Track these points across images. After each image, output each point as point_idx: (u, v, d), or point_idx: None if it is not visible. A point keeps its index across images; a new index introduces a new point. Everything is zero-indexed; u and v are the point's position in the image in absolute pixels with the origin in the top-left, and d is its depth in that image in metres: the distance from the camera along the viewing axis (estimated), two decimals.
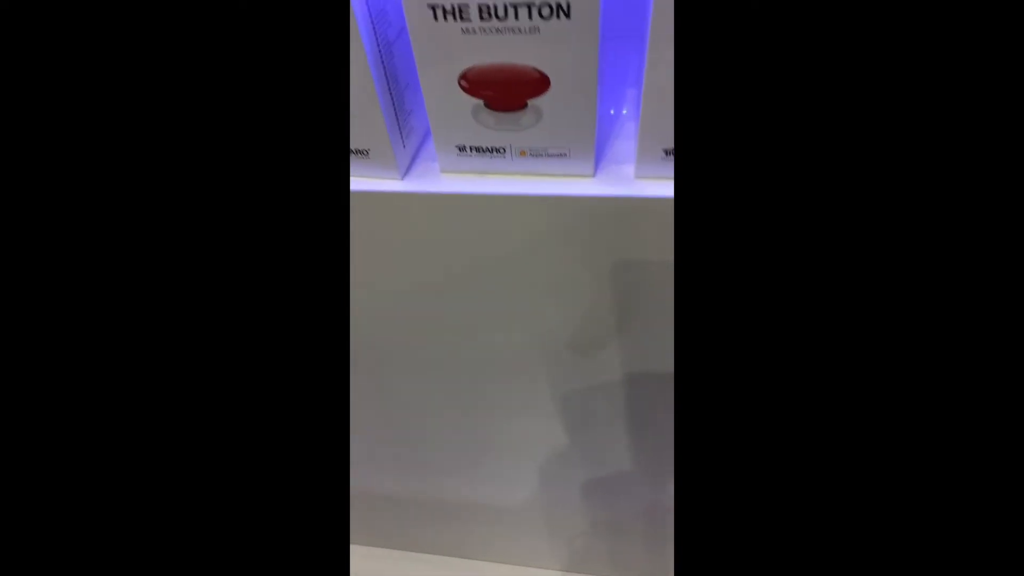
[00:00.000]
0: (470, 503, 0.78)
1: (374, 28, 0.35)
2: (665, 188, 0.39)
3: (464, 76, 0.35)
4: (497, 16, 0.32)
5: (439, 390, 0.61)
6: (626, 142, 0.42)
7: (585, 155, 0.39)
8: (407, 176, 0.42)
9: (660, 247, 0.41)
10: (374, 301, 0.50)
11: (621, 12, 0.45)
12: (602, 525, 0.77)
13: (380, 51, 0.36)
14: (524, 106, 0.36)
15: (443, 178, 0.41)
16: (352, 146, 0.40)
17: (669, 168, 0.38)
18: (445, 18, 0.33)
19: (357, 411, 0.67)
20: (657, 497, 0.70)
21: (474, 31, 0.33)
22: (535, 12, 0.32)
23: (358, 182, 0.42)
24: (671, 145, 0.37)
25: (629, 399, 0.56)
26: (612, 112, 0.45)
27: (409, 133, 0.42)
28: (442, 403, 0.63)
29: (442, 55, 0.35)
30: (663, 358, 0.51)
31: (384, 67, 0.37)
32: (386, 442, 0.71)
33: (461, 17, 0.33)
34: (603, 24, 0.32)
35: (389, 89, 0.38)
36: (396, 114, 0.39)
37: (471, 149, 0.40)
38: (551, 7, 0.31)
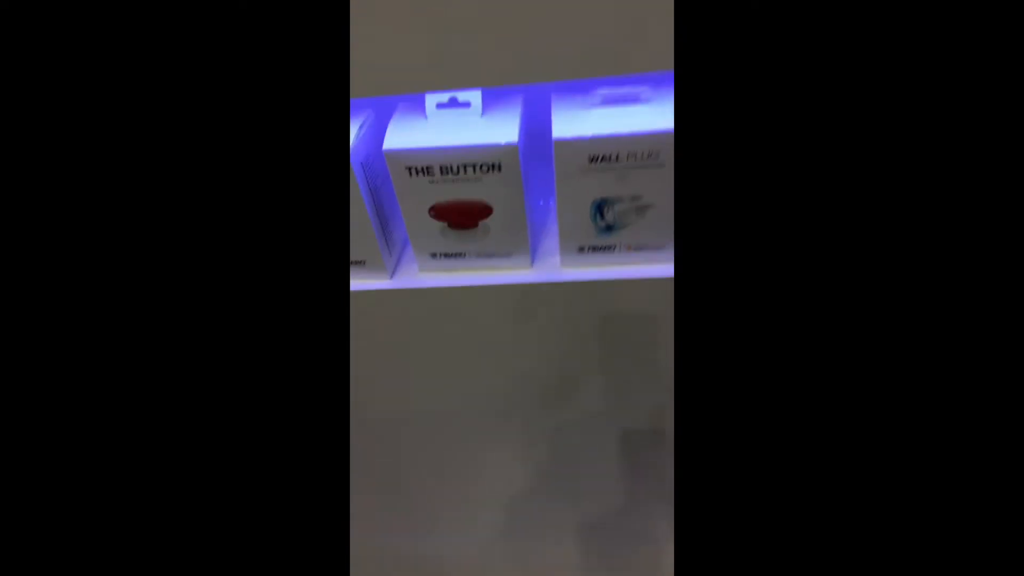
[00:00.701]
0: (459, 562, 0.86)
1: (366, 177, 0.50)
2: (584, 274, 0.53)
3: (432, 208, 0.50)
4: (453, 172, 0.47)
5: (424, 451, 0.72)
6: (554, 238, 0.57)
7: (523, 254, 0.53)
8: (394, 276, 0.56)
9: (590, 318, 0.56)
10: (370, 376, 0.63)
11: (540, 143, 0.60)
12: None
13: (371, 192, 0.51)
14: (476, 225, 0.51)
15: (421, 276, 0.55)
16: (352, 258, 0.54)
17: (585, 259, 0.53)
18: (418, 175, 0.48)
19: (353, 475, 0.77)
20: (650, 540, 0.79)
21: (438, 181, 0.48)
22: (478, 169, 0.47)
23: (356, 284, 0.55)
24: (584, 243, 0.52)
25: (601, 443, 0.68)
26: (541, 203, 0.60)
27: (393, 246, 0.56)
28: (427, 462, 0.74)
29: (416, 196, 0.49)
30: (619, 403, 0.64)
31: (374, 202, 0.52)
32: (380, 504, 0.80)
33: (428, 173, 0.48)
34: (526, 155, 0.47)
35: (378, 217, 0.53)
36: (384, 234, 0.54)
37: (440, 255, 0.54)
38: (488, 166, 0.47)
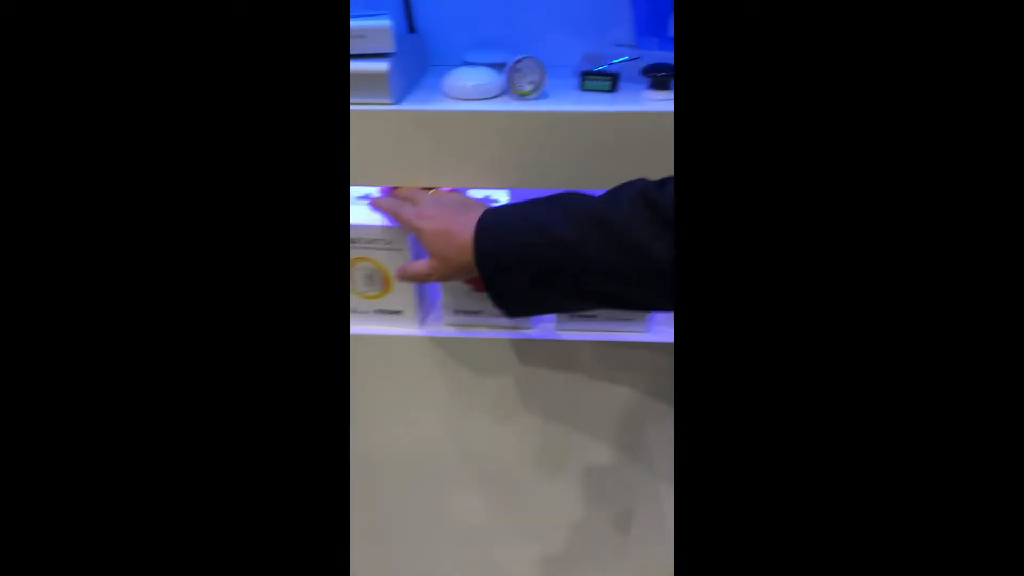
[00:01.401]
0: None
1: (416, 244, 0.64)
2: (575, 335, 0.67)
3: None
4: None
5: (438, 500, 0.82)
6: None
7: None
8: (422, 326, 0.70)
9: (579, 369, 0.69)
10: (389, 417, 0.76)
11: None
12: None
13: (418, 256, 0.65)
14: None
15: (446, 328, 0.69)
16: (390, 308, 0.68)
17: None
18: None
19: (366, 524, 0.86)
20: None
21: None
22: None
23: (391, 331, 0.69)
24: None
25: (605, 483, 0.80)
26: None
27: (424, 301, 0.70)
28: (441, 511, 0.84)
29: None
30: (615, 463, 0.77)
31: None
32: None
33: None
34: None
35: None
36: (419, 291, 0.68)
37: (463, 312, 0.68)
38: None
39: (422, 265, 0.57)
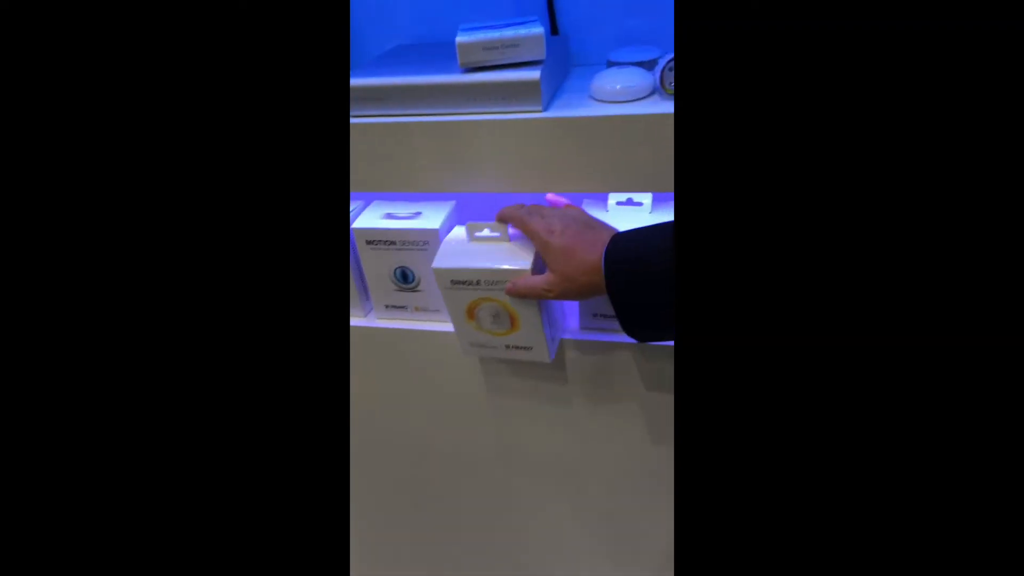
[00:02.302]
0: None
1: None
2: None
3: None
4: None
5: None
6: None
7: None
8: (552, 359, 0.69)
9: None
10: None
11: None
12: None
13: None
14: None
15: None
16: (519, 344, 0.68)
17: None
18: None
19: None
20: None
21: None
22: None
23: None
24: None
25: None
26: None
27: (552, 335, 0.70)
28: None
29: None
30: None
31: None
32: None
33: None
34: None
35: None
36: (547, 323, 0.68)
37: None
38: None
39: (540, 281, 0.56)
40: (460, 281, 0.60)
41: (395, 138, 0.60)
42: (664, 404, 0.68)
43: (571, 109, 0.57)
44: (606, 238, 0.51)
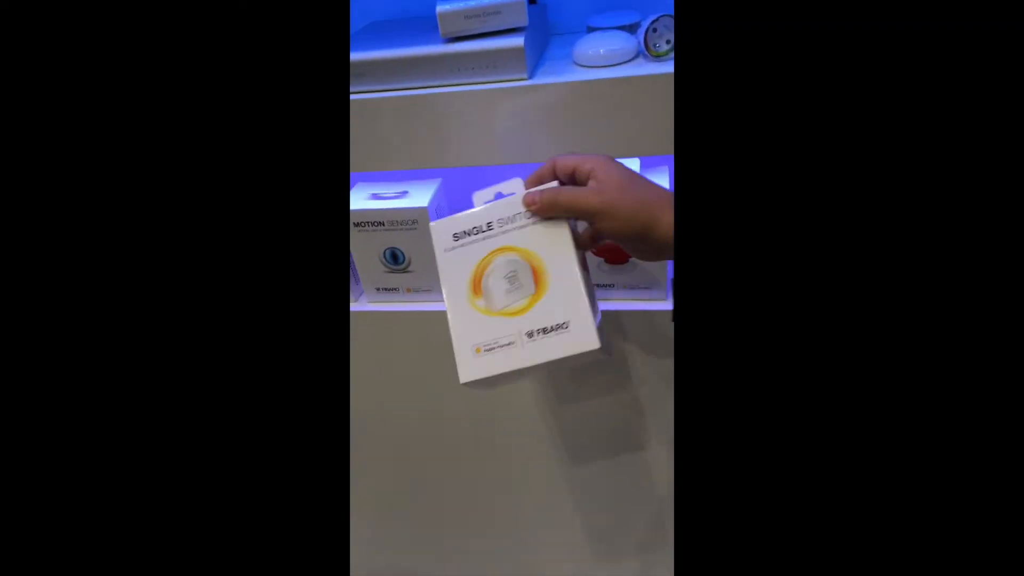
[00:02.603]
0: None
1: None
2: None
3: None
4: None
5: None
6: None
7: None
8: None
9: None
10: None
11: None
12: None
13: None
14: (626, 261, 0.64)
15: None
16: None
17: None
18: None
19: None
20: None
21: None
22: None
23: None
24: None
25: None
26: None
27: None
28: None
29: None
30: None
31: None
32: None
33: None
34: None
35: None
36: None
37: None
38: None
39: (585, 191, 0.43)
40: (466, 232, 0.46)
41: (378, 115, 0.59)
42: (664, 370, 0.68)
43: (556, 76, 0.56)
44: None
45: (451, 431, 0.79)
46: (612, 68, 0.56)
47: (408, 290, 0.69)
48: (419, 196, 0.64)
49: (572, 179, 0.47)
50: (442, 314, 0.69)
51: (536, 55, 0.60)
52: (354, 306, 0.71)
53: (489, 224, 0.46)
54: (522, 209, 0.45)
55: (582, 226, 0.48)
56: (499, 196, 0.48)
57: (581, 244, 0.47)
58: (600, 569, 0.88)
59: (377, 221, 0.64)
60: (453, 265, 0.47)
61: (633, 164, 0.64)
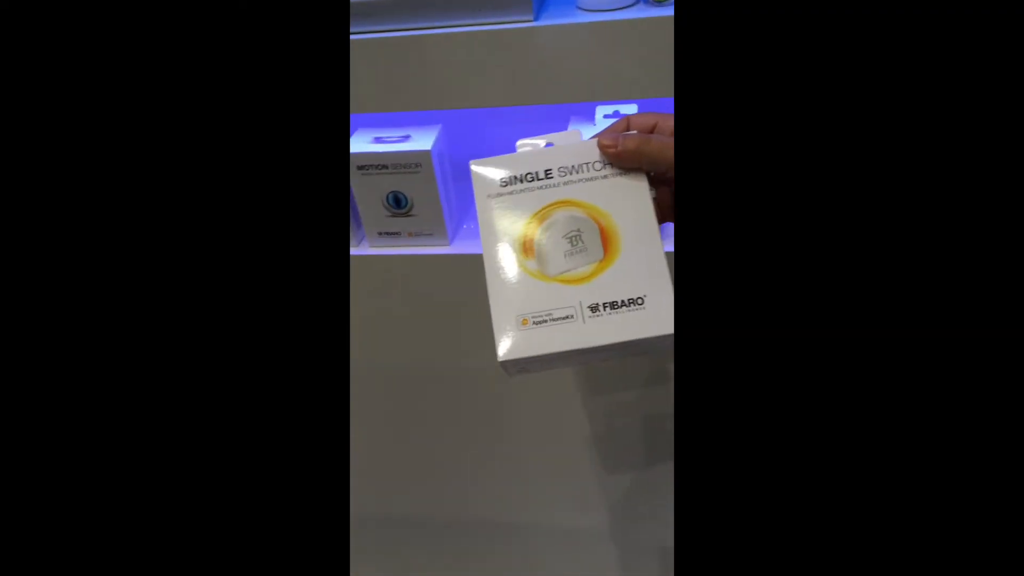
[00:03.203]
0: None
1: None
2: None
3: None
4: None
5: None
6: None
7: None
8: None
9: None
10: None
11: None
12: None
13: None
14: None
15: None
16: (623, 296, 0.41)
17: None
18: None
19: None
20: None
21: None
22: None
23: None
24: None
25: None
26: None
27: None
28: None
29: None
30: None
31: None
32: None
33: None
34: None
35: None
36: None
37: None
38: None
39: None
40: (517, 178, 0.37)
41: (380, 55, 0.60)
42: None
43: (560, 18, 0.57)
44: None
45: (449, 379, 0.81)
46: (615, 12, 0.57)
47: (410, 234, 0.71)
48: (422, 140, 0.65)
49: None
50: (446, 259, 0.71)
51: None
52: (355, 250, 0.72)
53: (548, 171, 0.37)
54: (591, 158, 0.37)
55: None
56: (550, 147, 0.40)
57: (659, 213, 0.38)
58: (596, 515, 0.92)
59: (381, 164, 0.65)
60: (498, 216, 0.37)
61: (630, 109, 0.66)
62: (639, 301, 0.35)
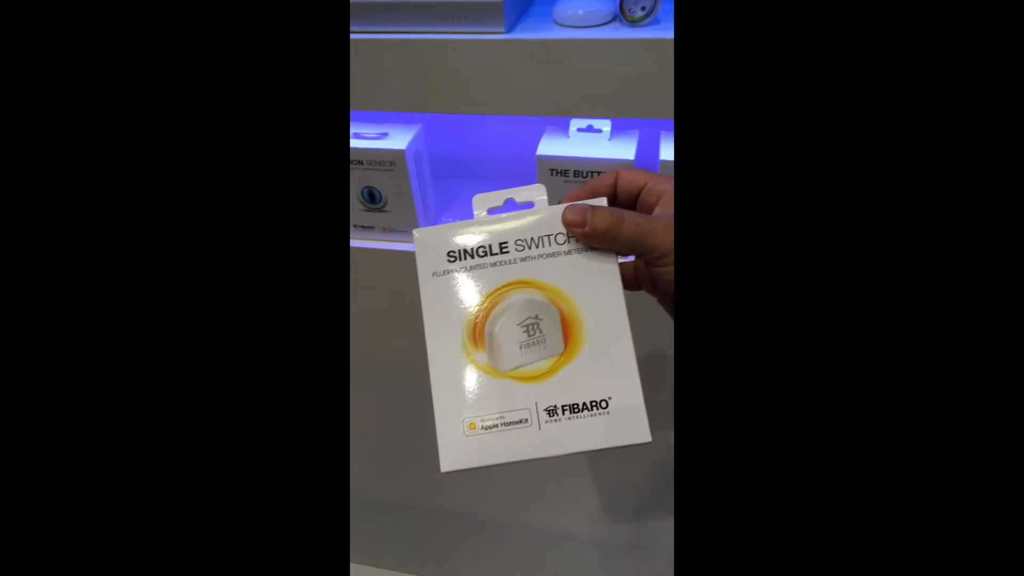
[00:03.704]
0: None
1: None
2: None
3: None
4: None
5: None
6: None
7: None
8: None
9: None
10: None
11: None
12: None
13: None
14: None
15: None
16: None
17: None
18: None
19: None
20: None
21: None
22: None
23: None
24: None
25: None
26: None
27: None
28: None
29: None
30: None
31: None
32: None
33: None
34: None
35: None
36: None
37: None
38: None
39: (644, 219, 0.33)
40: (467, 251, 0.33)
41: (358, 55, 0.61)
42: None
43: (534, 32, 0.58)
44: None
45: (422, 372, 0.83)
46: (590, 29, 0.58)
47: (384, 229, 0.72)
48: (398, 139, 0.67)
49: (633, 201, 0.36)
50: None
51: (519, 10, 0.61)
52: None
53: (503, 245, 0.33)
54: (554, 230, 0.33)
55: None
56: (512, 206, 0.35)
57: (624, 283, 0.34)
58: (595, 498, 0.93)
59: (356, 160, 0.67)
60: (444, 297, 0.34)
61: (603, 125, 0.66)
62: (603, 404, 0.31)
